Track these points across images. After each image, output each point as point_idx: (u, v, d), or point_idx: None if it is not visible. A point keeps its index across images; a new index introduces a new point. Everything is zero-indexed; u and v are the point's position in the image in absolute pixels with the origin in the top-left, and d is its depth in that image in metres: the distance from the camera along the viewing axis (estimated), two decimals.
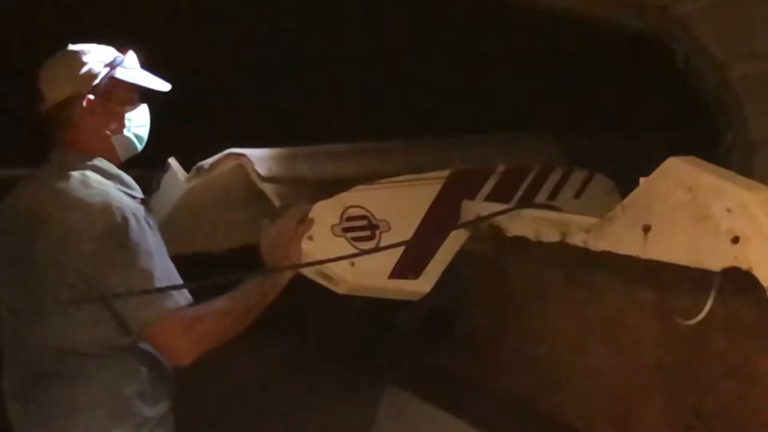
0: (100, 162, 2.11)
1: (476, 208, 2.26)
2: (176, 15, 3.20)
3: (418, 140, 2.55)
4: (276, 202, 2.22)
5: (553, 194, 2.43)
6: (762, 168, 2.60)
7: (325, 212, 2.15)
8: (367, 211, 2.20)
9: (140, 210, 2.06)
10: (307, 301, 2.93)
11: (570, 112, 3.31)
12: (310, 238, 2.12)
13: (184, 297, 2.01)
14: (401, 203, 2.24)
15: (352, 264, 2.11)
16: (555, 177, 2.47)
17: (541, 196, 2.40)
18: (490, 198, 2.33)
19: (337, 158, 2.39)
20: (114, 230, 1.98)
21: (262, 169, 2.24)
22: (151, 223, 2.07)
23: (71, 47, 2.15)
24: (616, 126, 3.08)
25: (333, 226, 2.15)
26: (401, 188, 2.26)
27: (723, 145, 2.75)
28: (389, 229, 2.20)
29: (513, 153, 2.54)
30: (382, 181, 2.26)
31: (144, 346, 2.06)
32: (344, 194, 2.20)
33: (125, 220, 1.99)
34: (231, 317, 2.05)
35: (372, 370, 2.79)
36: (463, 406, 2.44)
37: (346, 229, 2.16)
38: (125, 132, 2.17)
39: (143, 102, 2.21)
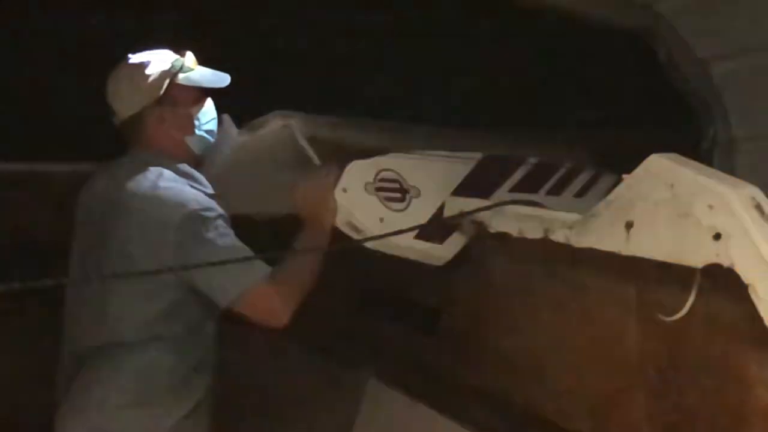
0: (172, 161, 2.21)
1: (459, 203, 2.27)
2: None
3: (454, 128, 2.68)
4: (316, 161, 2.36)
5: (579, 194, 2.51)
6: (744, 165, 2.62)
7: (361, 170, 2.27)
8: (400, 175, 2.30)
9: (212, 202, 2.17)
10: None
11: (553, 108, 3.32)
12: (344, 190, 2.23)
13: (264, 267, 2.13)
14: (433, 175, 2.34)
15: (382, 220, 2.23)
16: (584, 177, 2.54)
17: (567, 194, 2.48)
18: (516, 187, 2.40)
19: (379, 131, 2.53)
20: (192, 218, 2.09)
21: (306, 130, 2.37)
22: (224, 214, 2.17)
23: (132, 60, 2.23)
24: (600, 122, 3.09)
25: (367, 183, 2.26)
26: (435, 161, 2.36)
27: (705, 142, 2.77)
28: (419, 195, 2.30)
29: (546, 149, 2.64)
30: (418, 152, 2.37)
31: (183, 338, 2.16)
32: (380, 157, 2.31)
33: (202, 208, 2.12)
34: (304, 272, 2.18)
35: (355, 364, 2.78)
36: (445, 401, 2.44)
37: (379, 189, 2.27)
38: (196, 132, 2.28)
39: (207, 96, 2.31)
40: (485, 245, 2.21)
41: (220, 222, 2.13)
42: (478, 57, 3.42)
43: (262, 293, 2.11)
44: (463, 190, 2.33)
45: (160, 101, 2.22)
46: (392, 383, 2.65)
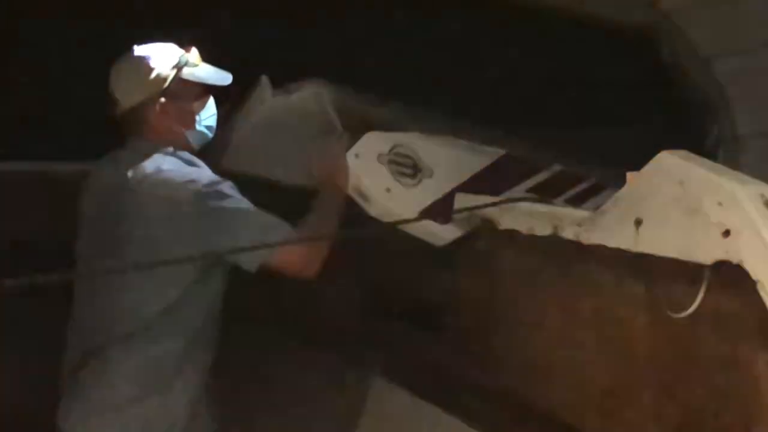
0: (174, 149, 2.24)
1: (469, 200, 2.27)
2: None
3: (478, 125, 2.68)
4: (339, 127, 2.43)
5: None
6: (748, 162, 2.62)
7: (377, 140, 2.35)
8: (416, 154, 2.37)
9: (218, 177, 2.21)
10: (296, 293, 2.94)
11: (556, 107, 3.32)
12: (356, 155, 2.31)
13: (286, 224, 2.18)
14: (450, 160, 2.39)
15: (388, 190, 2.30)
16: (607, 194, 2.50)
17: (589, 206, 2.44)
18: (533, 190, 2.40)
19: (407, 115, 2.57)
20: (205, 192, 2.13)
21: (336, 101, 2.44)
22: (233, 184, 2.21)
23: (137, 51, 2.26)
24: (603, 121, 3.09)
25: (380, 154, 2.33)
26: (454, 148, 2.42)
27: (709, 140, 2.77)
28: (432, 176, 2.36)
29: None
30: (440, 136, 2.42)
31: (194, 322, 2.18)
32: (399, 134, 2.37)
33: (211, 181, 2.16)
34: (327, 227, 2.23)
35: (360, 362, 2.78)
36: (451, 399, 2.44)
37: (391, 161, 2.34)
38: (197, 126, 2.31)
39: (209, 93, 2.34)
40: (494, 242, 2.21)
41: (232, 191, 2.16)
42: (477, 55, 3.42)
43: (295, 248, 2.16)
44: (477, 180, 2.36)
45: (163, 94, 2.24)
46: (397, 381, 2.65)
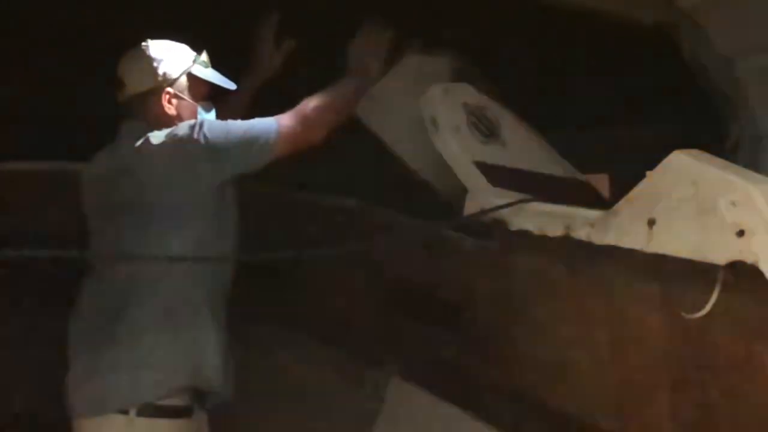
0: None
1: (481, 201, 2.27)
2: None
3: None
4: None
5: None
6: None
7: (470, 92, 2.43)
8: (498, 123, 2.43)
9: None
10: (313, 292, 2.96)
11: (574, 106, 3.30)
12: (445, 90, 2.39)
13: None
14: (527, 148, 2.46)
15: (458, 129, 2.36)
16: None
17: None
18: None
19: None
20: (194, 129, 2.16)
21: (461, 70, 2.50)
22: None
23: (151, 43, 2.31)
24: (621, 120, 3.07)
25: (466, 103, 2.40)
26: (539, 146, 2.49)
27: (730, 140, 2.74)
28: (504, 147, 2.42)
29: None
30: (533, 131, 2.50)
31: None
32: (493, 102, 2.46)
33: (196, 122, 2.20)
34: (336, 95, 2.33)
35: (378, 362, 2.79)
36: (467, 399, 2.44)
37: (472, 113, 2.40)
38: None
39: (212, 102, 2.39)
40: (507, 243, 2.21)
41: (214, 121, 2.25)
42: (495, 53, 3.40)
43: (285, 123, 2.20)
44: (539, 179, 2.40)
45: (171, 86, 2.28)
46: (416, 381, 2.65)
